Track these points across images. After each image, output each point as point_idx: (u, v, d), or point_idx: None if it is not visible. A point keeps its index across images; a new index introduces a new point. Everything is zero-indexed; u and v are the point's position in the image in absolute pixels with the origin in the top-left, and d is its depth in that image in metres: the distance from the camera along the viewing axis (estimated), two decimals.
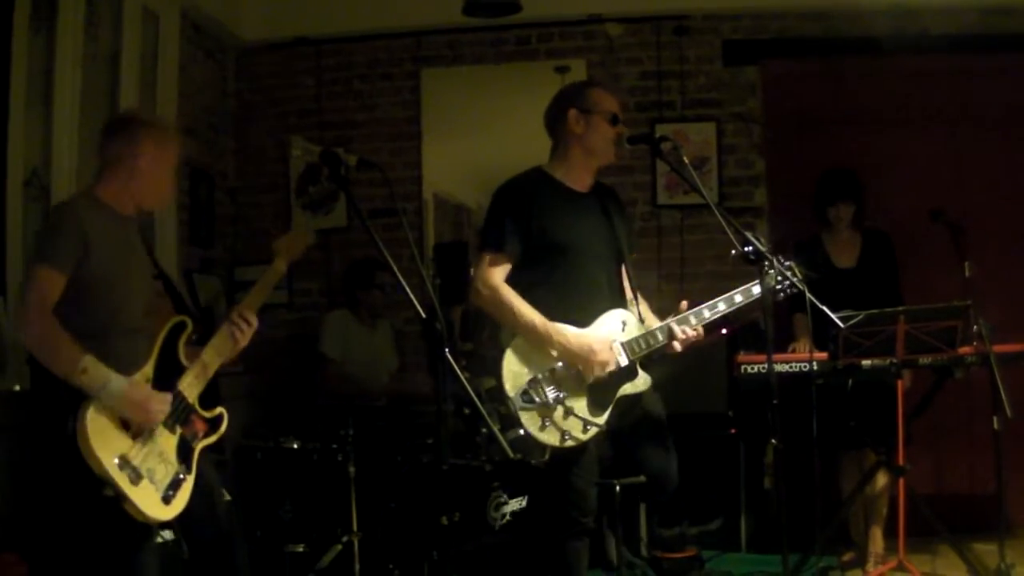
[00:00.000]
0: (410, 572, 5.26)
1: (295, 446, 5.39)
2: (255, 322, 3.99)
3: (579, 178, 4.52)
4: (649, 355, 4.40)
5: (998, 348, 5.17)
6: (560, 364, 4.29)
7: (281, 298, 7.28)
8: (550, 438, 4.24)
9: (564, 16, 7.34)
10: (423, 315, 3.58)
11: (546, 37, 7.43)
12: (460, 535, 5.20)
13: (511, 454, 4.09)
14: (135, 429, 3.57)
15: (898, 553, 5.37)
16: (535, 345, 4.29)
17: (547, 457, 4.45)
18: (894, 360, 5.18)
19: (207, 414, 3.86)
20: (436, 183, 7.69)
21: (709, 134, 7.22)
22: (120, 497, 3.47)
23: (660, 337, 4.36)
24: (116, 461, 3.48)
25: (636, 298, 4.55)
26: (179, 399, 3.76)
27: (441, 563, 5.11)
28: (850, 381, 5.38)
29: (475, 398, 3.94)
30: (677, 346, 4.33)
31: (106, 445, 3.48)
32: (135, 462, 3.53)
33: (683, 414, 5.16)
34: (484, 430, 5.63)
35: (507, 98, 7.69)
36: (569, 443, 4.24)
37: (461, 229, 8.29)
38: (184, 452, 3.73)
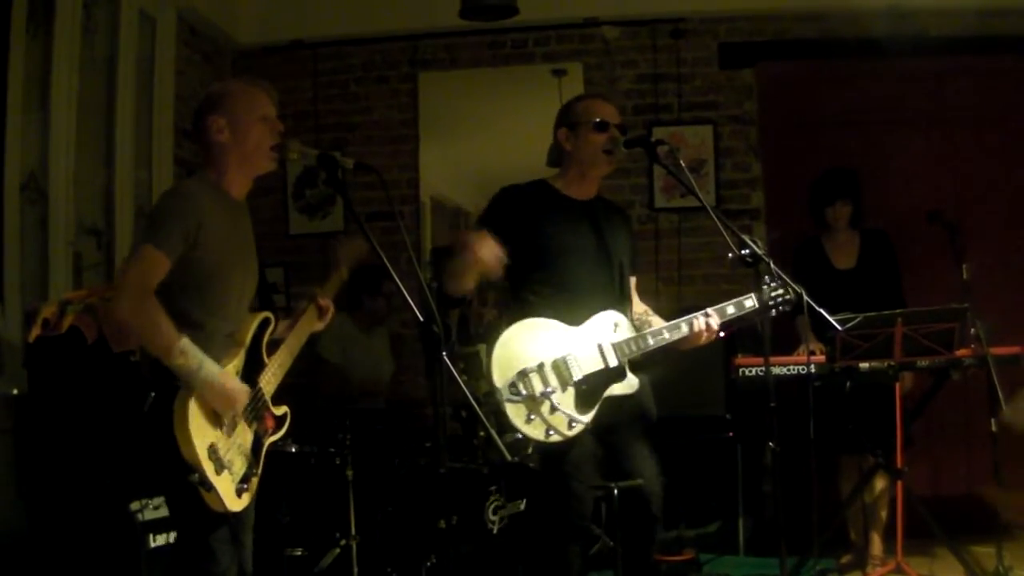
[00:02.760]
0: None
1: (293, 450, 5.39)
2: (331, 307, 4.16)
3: (578, 189, 4.55)
4: (640, 357, 4.41)
5: (995, 350, 5.18)
6: (549, 360, 4.27)
7: (279, 302, 7.28)
8: (534, 432, 4.23)
9: (561, 19, 7.35)
10: (421, 318, 3.58)
11: (543, 40, 7.43)
12: (458, 538, 5.20)
13: (508, 457, 4.09)
14: (224, 420, 3.56)
15: (896, 555, 5.38)
16: (519, 341, 4.31)
17: (530, 451, 4.53)
18: (892, 362, 5.19)
19: (276, 411, 3.86)
20: (433, 186, 7.70)
21: (706, 137, 7.23)
22: (205, 485, 3.45)
23: (667, 335, 4.37)
24: (207, 449, 3.47)
25: (630, 309, 4.59)
26: (259, 395, 3.75)
27: (439, 566, 5.13)
28: (848, 383, 5.38)
29: (473, 401, 3.94)
30: (695, 335, 4.36)
31: (200, 432, 3.45)
32: (220, 452, 3.52)
33: (681, 417, 5.18)
34: (482, 433, 5.64)
35: (504, 101, 7.71)
36: (554, 438, 4.23)
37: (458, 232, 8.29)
38: (256, 447, 3.72)
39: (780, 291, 4.39)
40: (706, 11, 7.24)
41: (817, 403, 4.64)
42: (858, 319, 4.94)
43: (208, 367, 3.49)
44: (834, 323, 4.29)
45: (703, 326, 4.34)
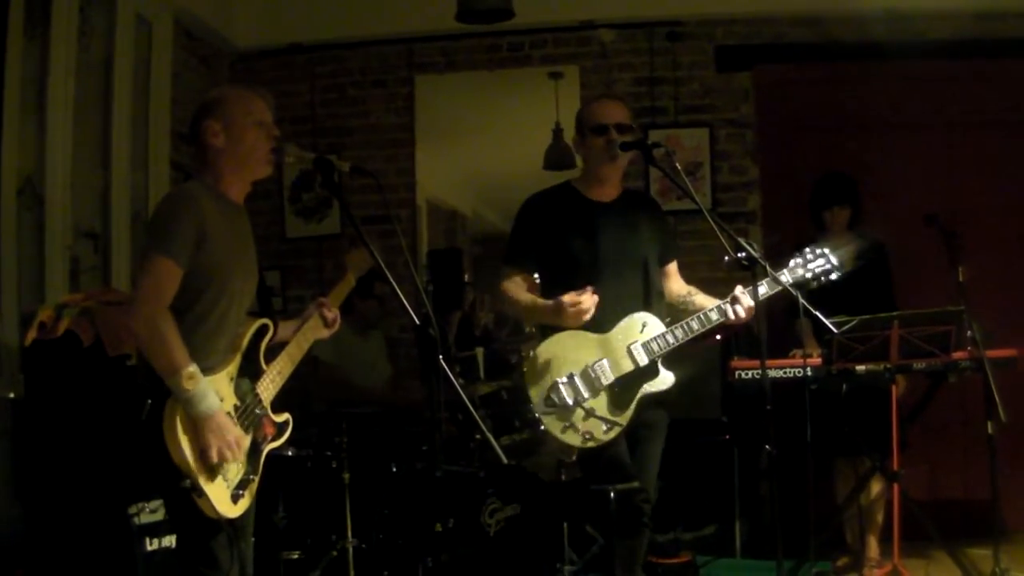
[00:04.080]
0: None
1: (289, 453, 5.38)
2: (338, 316, 4.17)
3: (600, 190, 4.65)
4: (673, 350, 4.50)
5: (992, 353, 5.18)
6: (578, 370, 4.41)
7: (275, 305, 7.28)
8: (572, 440, 4.39)
9: (557, 22, 7.35)
10: (417, 322, 3.58)
11: (539, 43, 7.43)
12: (454, 541, 5.20)
13: (505, 460, 4.11)
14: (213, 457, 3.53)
15: (893, 558, 5.38)
16: (553, 355, 4.45)
17: (574, 458, 4.65)
18: (888, 365, 5.19)
19: (276, 418, 3.86)
20: (430, 189, 7.71)
21: (702, 140, 7.23)
22: (196, 491, 3.45)
23: (695, 326, 4.45)
24: (197, 455, 3.46)
25: (660, 297, 4.70)
26: (257, 401, 3.75)
27: (435, 569, 5.12)
28: (844, 386, 5.38)
29: (469, 404, 3.95)
30: (733, 316, 4.42)
31: (189, 438, 3.45)
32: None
33: (678, 420, 5.16)
34: (478, 436, 5.64)
35: (501, 104, 7.72)
36: (591, 444, 4.39)
37: (455, 235, 8.31)
38: (254, 454, 3.72)
39: (820, 261, 4.44)
40: (703, 14, 7.24)
41: (813, 406, 4.64)
42: (854, 322, 4.95)
43: (212, 400, 3.48)
44: (830, 326, 4.30)
45: (735, 310, 4.40)
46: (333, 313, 4.12)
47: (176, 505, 3.57)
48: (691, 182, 4.55)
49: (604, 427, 4.39)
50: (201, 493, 3.46)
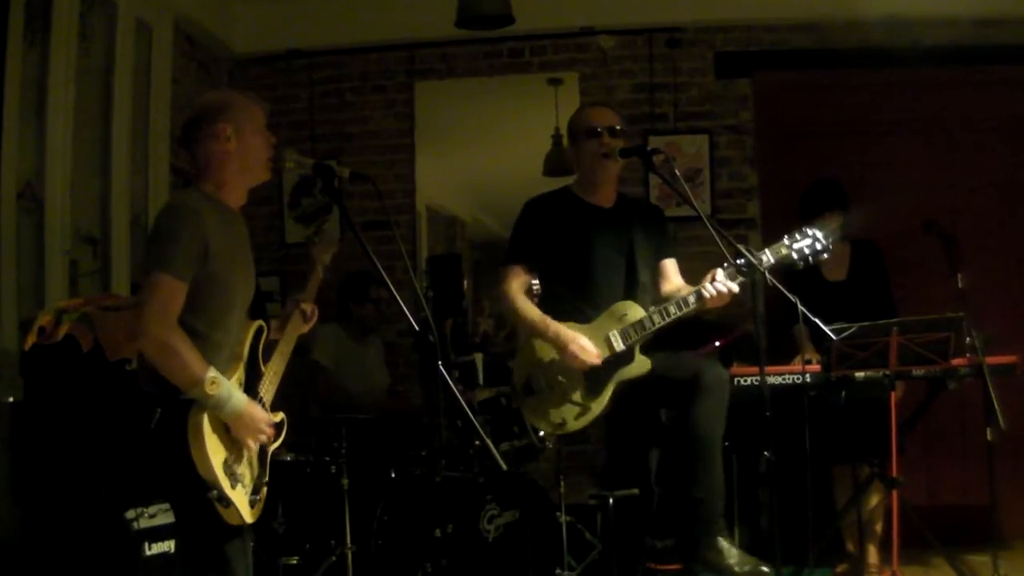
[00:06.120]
0: None
1: (288, 459, 5.38)
2: (315, 309, 4.18)
3: (596, 195, 4.81)
4: (650, 337, 4.64)
5: (991, 360, 5.17)
6: (557, 357, 4.60)
7: (273, 310, 7.27)
8: (545, 424, 4.65)
9: (557, 29, 7.36)
10: (416, 328, 3.58)
11: (539, 50, 7.44)
12: (453, 547, 5.20)
13: (504, 466, 4.11)
14: (241, 443, 3.57)
15: (892, 565, 5.37)
16: (538, 341, 4.66)
17: (549, 444, 5.05)
18: (887, 372, 5.18)
19: (274, 418, 3.83)
20: (429, 195, 7.70)
21: (702, 146, 7.23)
22: (223, 501, 3.45)
23: (672, 310, 4.57)
24: (222, 465, 3.46)
25: (645, 289, 4.82)
26: (260, 403, 3.74)
27: (434, 575, 5.12)
28: (843, 393, 5.37)
29: (468, 410, 3.95)
30: (714, 297, 4.48)
31: (216, 449, 3.45)
32: (234, 467, 3.52)
33: None
34: (477, 442, 5.64)
35: (500, 110, 7.71)
36: (564, 429, 4.61)
37: (454, 241, 8.30)
38: (261, 456, 3.73)
39: (806, 242, 4.47)
40: (702, 20, 7.25)
41: (812, 412, 4.64)
42: (853, 328, 4.94)
43: (237, 396, 3.49)
44: (829, 332, 4.30)
45: (713, 292, 4.47)
46: (310, 307, 4.12)
47: (194, 514, 3.54)
48: (690, 188, 4.56)
49: (577, 412, 4.57)
50: (229, 503, 3.45)
